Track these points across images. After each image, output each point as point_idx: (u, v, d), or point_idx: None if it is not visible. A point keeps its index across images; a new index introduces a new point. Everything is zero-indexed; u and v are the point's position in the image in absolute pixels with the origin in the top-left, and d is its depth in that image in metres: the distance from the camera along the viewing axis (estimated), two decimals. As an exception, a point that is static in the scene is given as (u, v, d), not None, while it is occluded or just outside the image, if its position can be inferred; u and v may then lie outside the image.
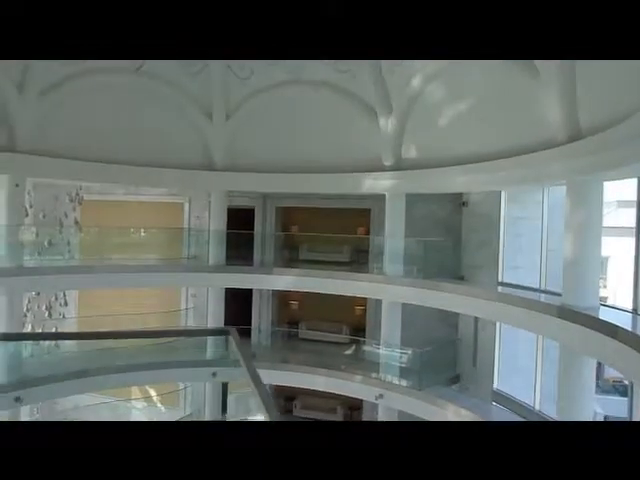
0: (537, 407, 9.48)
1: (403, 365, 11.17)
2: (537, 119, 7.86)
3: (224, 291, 13.05)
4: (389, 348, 11.37)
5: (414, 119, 10.79)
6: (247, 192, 13.84)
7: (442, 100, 10.20)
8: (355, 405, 13.67)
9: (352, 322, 14.28)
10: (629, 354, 5.44)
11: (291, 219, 15.19)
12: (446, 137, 10.18)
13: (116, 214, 14.56)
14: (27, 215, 13.16)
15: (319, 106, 11.75)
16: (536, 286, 9.55)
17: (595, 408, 8.74)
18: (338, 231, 13.49)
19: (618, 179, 7.70)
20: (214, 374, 11.72)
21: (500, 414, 9.90)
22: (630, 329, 6.15)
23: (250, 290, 14.29)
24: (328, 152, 11.86)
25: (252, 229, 14.38)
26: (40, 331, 14.70)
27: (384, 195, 11.57)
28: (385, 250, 11.53)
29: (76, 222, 15.14)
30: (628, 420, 7.60)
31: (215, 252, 12.78)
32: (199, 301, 14.54)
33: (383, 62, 10.43)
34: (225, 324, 12.88)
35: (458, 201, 12.03)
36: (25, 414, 12.34)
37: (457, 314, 11.46)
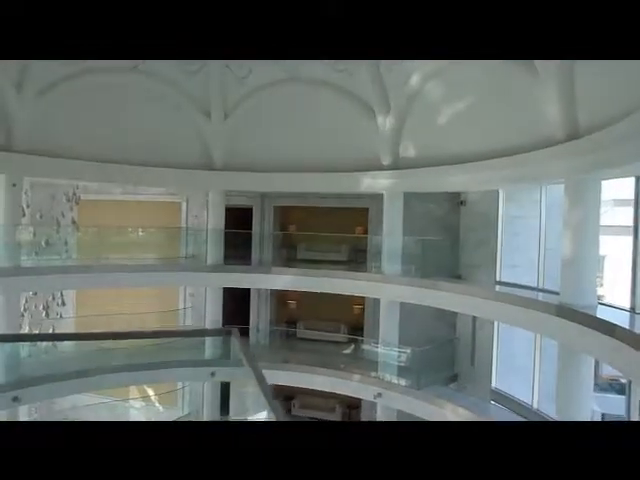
0: (535, 406, 9.51)
1: (401, 364, 11.18)
2: (535, 117, 7.87)
3: (222, 290, 13.04)
4: (387, 347, 11.38)
5: (412, 118, 10.79)
6: (245, 191, 13.83)
7: (440, 99, 10.20)
8: (354, 404, 13.68)
9: (350, 321, 14.28)
10: (627, 352, 5.46)
11: (289, 218, 15.18)
12: (444, 136, 10.19)
13: (113, 214, 14.54)
14: (24, 215, 13.12)
15: (317, 105, 11.74)
16: (534, 285, 9.57)
17: (592, 406, 8.76)
18: (336, 230, 13.49)
19: (616, 178, 7.72)
20: (212, 374, 11.73)
21: (498, 413, 9.91)
22: (628, 327, 6.18)
23: (248, 289, 14.28)
24: (326, 151, 11.85)
25: (250, 228, 14.37)
26: (37, 331, 14.68)
27: (382, 194, 11.57)
28: (383, 249, 11.53)
29: (73, 222, 15.11)
30: (626, 419, 7.62)
31: (213, 251, 12.77)
32: (197, 300, 14.53)
33: (381, 61, 10.41)
34: (223, 324, 12.88)
35: (456, 200, 12.04)
36: (23, 414, 12.32)
37: (455, 313, 11.48)
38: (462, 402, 10.03)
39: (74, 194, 15.23)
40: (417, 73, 10.11)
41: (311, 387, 12.23)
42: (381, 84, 10.92)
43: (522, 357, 10.16)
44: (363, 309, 13.82)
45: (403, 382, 10.90)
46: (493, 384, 10.73)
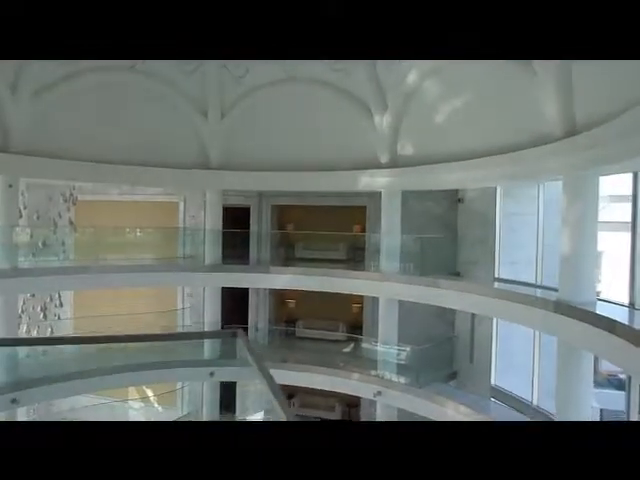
0: (535, 402, 9.53)
1: (401, 362, 11.19)
2: (533, 114, 7.86)
3: (220, 290, 13.03)
4: (387, 345, 11.40)
5: (409, 116, 10.79)
6: (242, 191, 13.81)
7: (437, 96, 10.20)
8: (353, 403, 13.69)
9: (349, 320, 14.29)
10: (627, 348, 5.48)
11: (287, 217, 15.17)
12: (442, 134, 10.19)
13: (111, 214, 14.51)
14: (21, 216, 13.09)
15: (314, 104, 11.73)
16: (532, 282, 9.59)
17: (592, 402, 8.78)
18: (334, 229, 13.48)
19: (615, 174, 7.73)
20: (212, 374, 11.72)
21: (498, 410, 9.94)
22: (627, 323, 6.20)
23: (247, 289, 14.26)
24: (323, 150, 11.84)
25: (248, 228, 14.35)
26: (35, 332, 14.65)
27: (380, 192, 11.56)
28: (381, 247, 11.53)
29: (70, 222, 15.08)
30: (625, 415, 7.64)
31: (211, 251, 12.75)
32: (195, 300, 14.52)
33: (378, 60, 10.40)
34: (222, 323, 12.89)
35: (454, 197, 12.06)
36: (22, 416, 12.29)
37: (454, 311, 11.50)
38: (462, 399, 10.04)
39: (71, 195, 15.20)
40: (414, 71, 10.11)
41: (310, 386, 12.23)
42: (378, 83, 10.91)
43: (521, 354, 10.18)
44: (362, 307, 13.83)
45: (403, 380, 10.91)
46: (492, 381, 10.75)
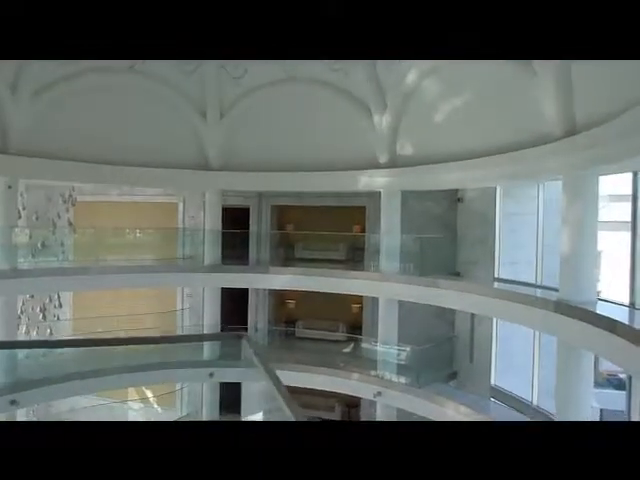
0: (535, 402, 9.53)
1: (401, 362, 11.19)
2: (533, 114, 7.86)
3: (220, 291, 13.02)
4: (387, 346, 11.39)
5: (409, 116, 10.79)
6: (242, 191, 13.80)
7: (437, 96, 10.20)
8: (353, 403, 13.68)
9: (349, 320, 14.28)
10: (627, 348, 5.47)
11: (286, 218, 15.16)
12: (441, 133, 10.19)
13: (110, 215, 14.50)
14: (20, 217, 13.07)
15: (313, 104, 11.73)
16: (532, 281, 9.58)
17: (591, 402, 8.78)
18: (334, 229, 13.48)
19: (614, 173, 7.73)
20: (211, 374, 11.71)
21: (498, 410, 9.93)
22: (628, 323, 6.20)
23: (246, 289, 14.26)
24: (323, 150, 11.84)
25: (247, 228, 14.34)
26: (35, 333, 14.64)
27: (379, 192, 11.56)
28: (381, 247, 11.53)
29: (70, 223, 15.07)
30: (626, 415, 7.64)
31: (210, 252, 12.74)
32: (195, 301, 14.51)
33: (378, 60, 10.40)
34: (221, 324, 12.88)
35: (453, 197, 12.06)
36: (21, 417, 12.27)
37: (454, 311, 11.49)
38: (462, 399, 10.03)
39: (70, 195, 15.19)
40: (413, 71, 10.11)
41: (310, 386, 12.23)
42: (377, 82, 10.91)
43: (521, 354, 10.18)
44: (362, 308, 13.82)
45: (403, 380, 10.90)
46: (492, 381, 10.75)
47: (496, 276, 10.60)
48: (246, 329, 14.03)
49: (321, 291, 12.18)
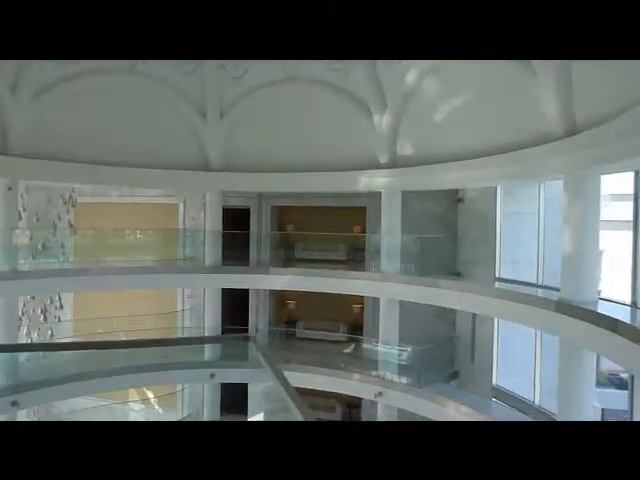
0: (537, 402, 9.51)
1: (402, 362, 11.18)
2: (533, 114, 7.85)
3: (221, 291, 13.02)
4: (388, 346, 11.38)
5: (409, 116, 10.78)
6: (242, 192, 13.79)
7: (437, 96, 10.19)
8: (354, 403, 13.67)
9: (350, 320, 14.27)
10: (629, 347, 5.47)
11: (287, 218, 15.16)
12: (441, 133, 10.18)
13: (110, 216, 14.50)
14: (20, 218, 13.08)
15: (313, 104, 11.73)
16: (533, 281, 9.57)
17: (593, 402, 8.77)
18: (334, 229, 13.47)
19: (616, 172, 7.72)
20: (212, 375, 11.71)
21: (500, 410, 9.92)
22: (629, 322, 6.19)
23: (247, 290, 14.25)
24: (323, 150, 11.84)
25: (248, 229, 14.34)
26: (36, 334, 14.64)
27: (380, 193, 11.56)
28: (382, 248, 11.52)
29: (70, 225, 15.07)
30: (627, 414, 7.63)
31: (211, 253, 12.74)
32: (195, 302, 14.51)
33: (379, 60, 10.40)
34: (222, 325, 12.88)
35: (454, 197, 12.05)
36: (22, 418, 12.27)
37: (455, 311, 11.48)
38: (463, 400, 10.03)
39: (70, 197, 15.19)
40: (413, 71, 10.10)
41: (311, 387, 12.21)
42: (377, 82, 10.91)
43: (522, 353, 10.17)
44: (362, 308, 13.82)
45: (404, 380, 10.89)
46: (494, 381, 10.74)
47: (497, 276, 10.59)
48: (247, 330, 14.03)
49: (322, 291, 12.18)
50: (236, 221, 13.74)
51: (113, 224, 13.91)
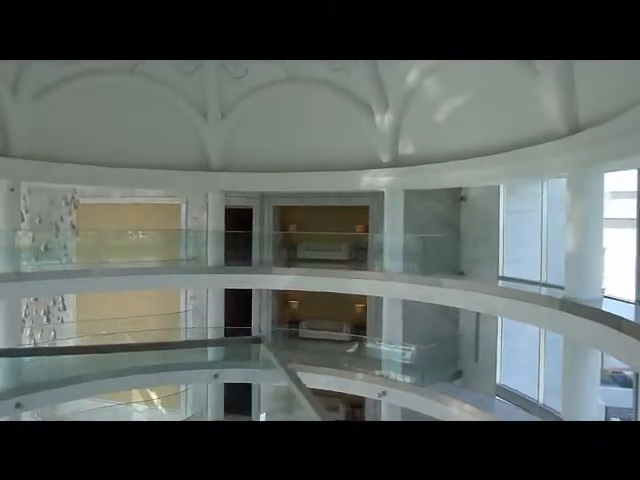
0: (541, 400, 9.49)
1: (406, 362, 11.17)
2: (536, 112, 7.83)
3: (223, 292, 13.03)
4: (391, 345, 11.37)
5: (411, 115, 10.76)
6: (245, 192, 13.80)
7: (439, 95, 10.17)
8: (357, 403, 13.67)
9: (353, 320, 14.27)
10: (634, 345, 5.45)
11: (289, 218, 15.16)
12: (443, 132, 10.16)
13: (112, 217, 14.51)
14: (23, 220, 13.11)
15: (314, 104, 11.72)
16: (537, 279, 9.54)
17: (598, 400, 8.75)
18: (337, 229, 13.48)
19: (619, 170, 7.69)
20: (216, 376, 11.72)
21: (504, 409, 9.90)
22: (634, 320, 6.16)
23: (250, 290, 14.26)
24: (325, 150, 11.83)
25: (250, 229, 14.35)
26: (39, 336, 14.66)
27: (382, 192, 11.54)
28: (384, 247, 11.51)
29: (72, 226, 15.09)
30: (632, 412, 7.61)
31: (213, 253, 12.74)
32: (198, 302, 14.51)
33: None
34: (225, 325, 12.88)
35: (457, 196, 12.03)
36: (25, 420, 12.29)
37: (458, 309, 11.47)
38: (467, 398, 10.01)
39: (73, 198, 15.21)
40: (415, 70, 10.08)
41: (315, 386, 12.20)
42: (379, 82, 10.89)
43: (526, 352, 10.15)
44: (365, 307, 13.81)
45: (408, 380, 10.88)
46: (498, 380, 10.72)
47: (500, 274, 10.57)
48: (250, 330, 14.05)
49: (324, 291, 12.17)
50: (238, 221, 13.75)
51: (115, 225, 13.94)
